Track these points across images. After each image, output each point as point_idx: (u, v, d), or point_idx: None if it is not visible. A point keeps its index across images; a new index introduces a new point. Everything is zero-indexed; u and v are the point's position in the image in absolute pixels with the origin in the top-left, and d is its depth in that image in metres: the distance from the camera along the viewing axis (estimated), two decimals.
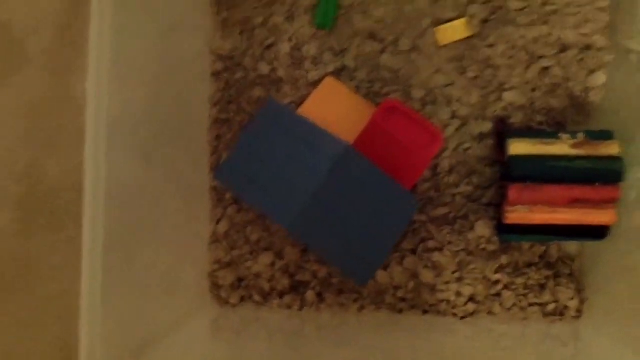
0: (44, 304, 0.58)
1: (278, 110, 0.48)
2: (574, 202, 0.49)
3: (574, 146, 0.50)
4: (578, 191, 0.49)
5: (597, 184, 0.49)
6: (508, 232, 0.52)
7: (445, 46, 0.55)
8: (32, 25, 0.59)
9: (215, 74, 0.56)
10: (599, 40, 0.55)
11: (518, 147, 0.50)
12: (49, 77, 0.59)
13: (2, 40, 0.59)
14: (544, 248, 0.54)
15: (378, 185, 0.46)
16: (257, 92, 0.56)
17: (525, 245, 0.54)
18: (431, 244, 0.54)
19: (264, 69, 0.56)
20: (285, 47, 0.56)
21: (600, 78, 0.55)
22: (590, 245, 0.53)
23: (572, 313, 0.54)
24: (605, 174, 0.49)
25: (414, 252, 0.54)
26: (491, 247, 0.54)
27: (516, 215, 0.50)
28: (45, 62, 0.59)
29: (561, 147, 0.50)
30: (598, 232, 0.50)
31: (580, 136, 0.50)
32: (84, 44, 0.59)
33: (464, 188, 0.55)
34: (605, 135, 0.50)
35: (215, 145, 0.56)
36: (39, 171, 0.59)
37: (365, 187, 0.46)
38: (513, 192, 0.49)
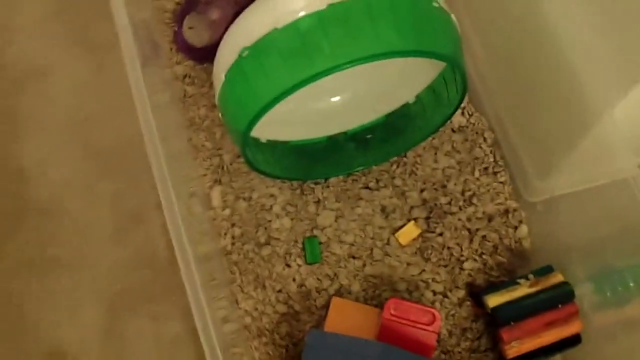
0: None
1: (319, 337, 0.62)
2: (549, 325, 0.65)
3: (531, 285, 0.66)
4: (549, 316, 0.65)
5: (559, 306, 0.65)
6: None
7: (407, 245, 0.72)
8: None
9: (247, 326, 0.69)
10: (511, 203, 0.73)
11: (494, 300, 0.66)
12: None
13: None
14: None
15: None
16: (284, 328, 0.69)
17: None
18: None
19: (282, 308, 0.70)
20: (293, 287, 0.70)
21: (523, 230, 0.73)
22: (571, 353, 0.68)
23: None
24: (562, 297, 0.65)
25: None
26: None
27: (513, 350, 0.65)
28: None
29: (523, 290, 0.66)
30: (574, 341, 0.66)
31: (532, 277, 0.67)
32: None
33: (464, 344, 0.69)
34: (548, 270, 0.67)
35: None
36: None
37: None
38: (505, 333, 0.64)
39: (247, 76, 0.54)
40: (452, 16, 0.59)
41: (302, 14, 0.52)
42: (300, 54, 0.52)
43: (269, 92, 0.53)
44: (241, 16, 0.57)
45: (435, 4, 0.56)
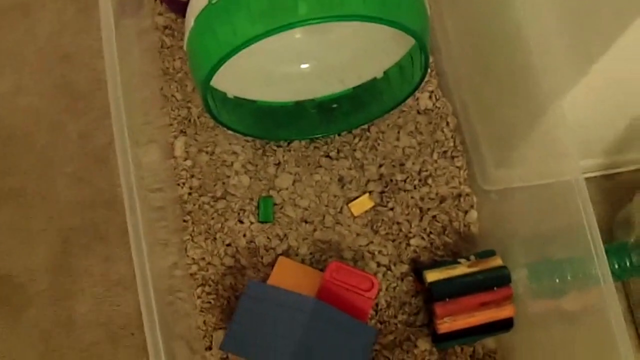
0: None
1: (258, 287, 0.64)
2: (483, 305, 0.67)
3: (470, 266, 0.68)
4: (483, 297, 0.67)
5: (495, 288, 0.67)
6: (442, 341, 0.68)
7: (359, 216, 0.74)
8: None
9: (193, 274, 0.71)
10: (465, 188, 0.75)
11: (433, 275, 0.67)
12: None
13: None
14: (471, 348, 0.70)
15: (344, 324, 0.62)
16: (228, 280, 0.71)
17: (457, 348, 0.70)
18: None
19: (229, 261, 0.71)
20: (242, 242, 0.72)
21: (473, 215, 0.75)
22: (505, 338, 0.70)
23: None
24: (498, 280, 0.67)
25: None
26: (434, 357, 0.70)
27: (445, 325, 0.67)
28: None
29: (462, 269, 0.68)
30: (506, 324, 0.68)
31: (473, 258, 0.69)
32: None
33: (401, 317, 0.71)
34: (489, 253, 0.69)
35: (205, 329, 0.69)
36: None
37: (335, 328, 0.62)
38: (439, 308, 0.66)
39: (213, 23, 0.56)
40: None
41: None
42: (266, 6, 0.53)
43: (231, 40, 0.54)
44: None
45: None
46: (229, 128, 0.71)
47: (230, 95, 0.70)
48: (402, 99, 0.72)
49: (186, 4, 0.79)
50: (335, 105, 0.75)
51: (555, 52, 0.56)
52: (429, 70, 0.71)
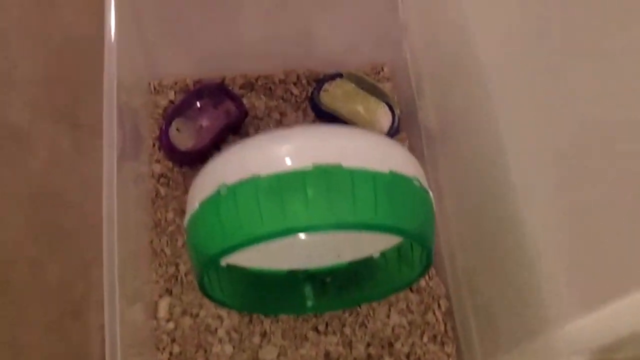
0: None
1: None
2: None
3: None
4: None
5: None
6: None
7: None
8: None
9: None
10: None
11: None
12: None
13: None
14: None
15: None
16: None
17: None
18: None
19: None
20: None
21: None
22: None
23: None
24: None
25: None
26: None
27: None
28: None
29: None
30: None
31: None
32: None
33: None
34: None
35: None
36: None
37: None
38: None
39: (221, 216, 0.54)
40: (430, 194, 0.60)
41: (287, 166, 0.53)
42: (277, 207, 0.52)
43: (239, 237, 0.53)
44: (229, 149, 0.58)
45: (416, 183, 0.57)
46: (219, 303, 0.68)
47: (222, 263, 0.68)
48: (399, 287, 0.70)
49: (185, 154, 0.79)
50: (328, 279, 0.73)
51: (563, 279, 0.55)
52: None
